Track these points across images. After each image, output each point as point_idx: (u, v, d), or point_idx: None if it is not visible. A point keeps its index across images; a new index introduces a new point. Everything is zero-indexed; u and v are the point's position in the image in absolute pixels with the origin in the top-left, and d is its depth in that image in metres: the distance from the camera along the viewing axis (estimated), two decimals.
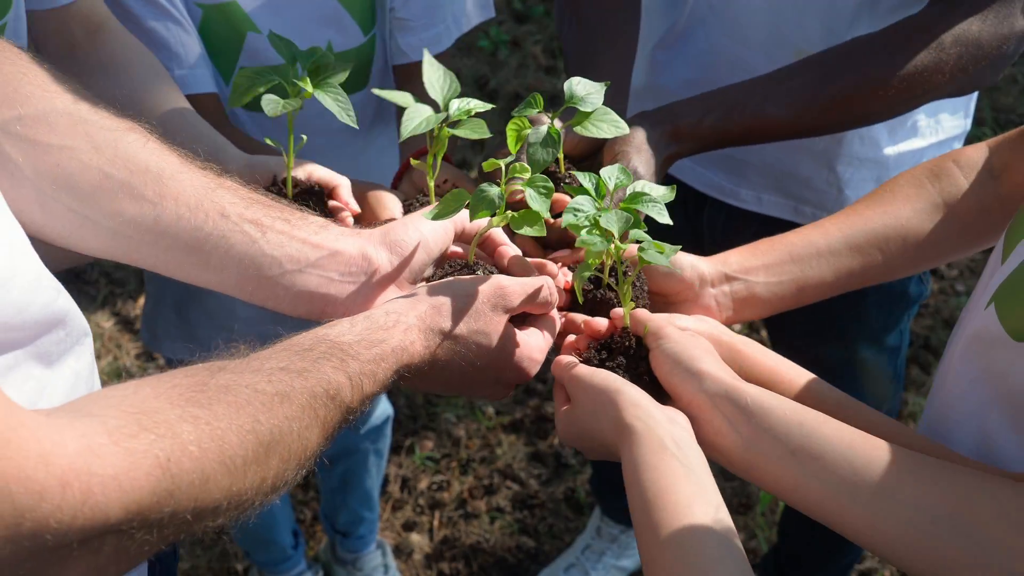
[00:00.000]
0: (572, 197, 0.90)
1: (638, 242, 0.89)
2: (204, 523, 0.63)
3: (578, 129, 0.97)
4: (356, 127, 0.96)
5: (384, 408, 2.04)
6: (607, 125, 0.96)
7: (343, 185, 1.05)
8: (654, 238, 1.02)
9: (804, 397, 0.87)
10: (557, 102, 1.14)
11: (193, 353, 0.74)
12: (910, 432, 0.86)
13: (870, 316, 1.53)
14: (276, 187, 1.02)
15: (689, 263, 1.02)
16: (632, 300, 0.96)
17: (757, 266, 1.03)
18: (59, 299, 0.70)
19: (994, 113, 3.44)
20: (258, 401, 0.67)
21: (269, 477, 0.67)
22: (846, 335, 1.56)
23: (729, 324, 1.00)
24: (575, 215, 0.88)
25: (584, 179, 0.92)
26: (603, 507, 2.21)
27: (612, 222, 0.86)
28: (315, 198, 1.04)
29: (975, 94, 1.49)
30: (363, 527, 2.16)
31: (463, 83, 3.46)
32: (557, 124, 0.99)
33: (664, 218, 0.92)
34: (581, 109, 0.96)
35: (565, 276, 1.01)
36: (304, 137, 1.02)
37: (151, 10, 1.26)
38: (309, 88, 0.94)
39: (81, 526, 0.53)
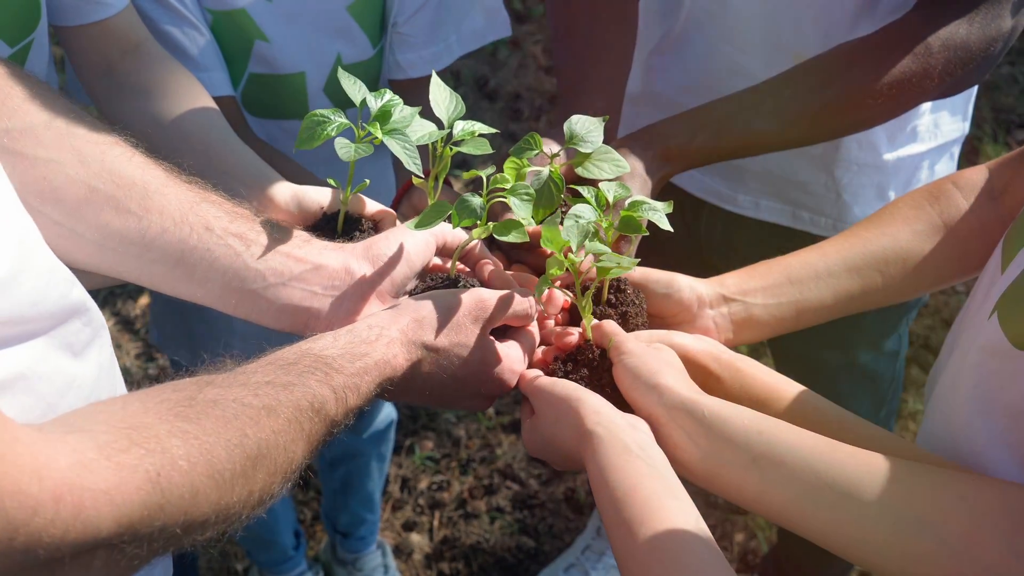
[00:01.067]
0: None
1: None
2: (193, 536, 0.64)
3: (579, 171, 0.97)
4: (421, 175, 0.95)
5: (388, 412, 2.04)
6: (608, 165, 0.97)
7: (388, 217, 1.05)
8: (652, 247, 1.03)
9: (804, 414, 0.88)
10: (557, 101, 1.14)
11: (195, 357, 0.75)
12: (910, 445, 0.86)
13: (869, 321, 1.53)
14: (324, 220, 1.01)
15: (687, 284, 1.02)
16: (631, 320, 0.97)
17: (755, 288, 1.03)
18: (74, 291, 0.71)
19: (994, 114, 3.43)
20: (245, 415, 0.68)
21: (256, 490, 0.68)
22: (845, 340, 1.56)
23: (730, 346, 1.00)
24: (576, 221, 0.89)
25: (584, 191, 0.93)
26: None
27: (572, 234, 0.87)
28: (360, 229, 1.03)
29: (973, 96, 1.49)
30: (364, 528, 2.17)
31: (463, 83, 3.46)
32: (559, 161, 0.99)
33: (664, 224, 0.93)
34: (580, 150, 0.96)
35: (564, 295, 1.01)
36: (367, 180, 1.02)
37: (166, 14, 1.26)
38: (379, 135, 0.92)
39: (73, 540, 0.54)
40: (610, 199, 0.93)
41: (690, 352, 0.93)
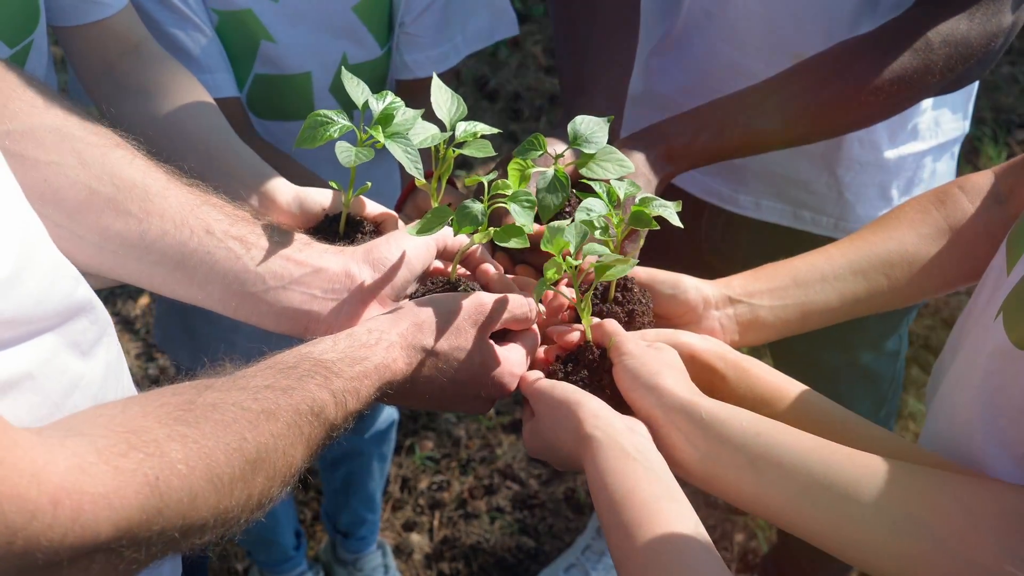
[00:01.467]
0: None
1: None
2: (191, 540, 0.64)
3: (584, 171, 0.97)
4: (423, 179, 0.94)
5: (389, 412, 2.04)
6: (612, 165, 0.97)
7: (390, 219, 1.05)
8: (653, 249, 1.03)
9: (807, 414, 0.88)
10: (557, 101, 1.14)
11: (197, 359, 0.75)
12: (911, 446, 0.86)
13: (869, 321, 1.52)
14: (326, 221, 1.01)
15: (693, 285, 1.02)
16: (637, 319, 0.97)
17: (761, 290, 1.03)
18: (79, 288, 0.71)
19: (994, 113, 3.43)
20: (244, 419, 0.68)
21: (255, 494, 0.68)
22: (845, 340, 1.56)
23: (735, 348, 1.00)
24: (587, 214, 0.90)
25: (596, 186, 0.93)
26: None
27: (572, 235, 0.88)
28: (362, 231, 1.03)
29: (973, 95, 1.49)
30: (364, 528, 2.17)
31: (463, 83, 3.46)
32: (563, 161, 0.99)
33: (675, 220, 0.94)
34: (585, 151, 0.96)
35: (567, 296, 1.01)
36: (369, 183, 1.01)
37: (171, 16, 1.26)
38: (381, 138, 0.92)
39: (71, 544, 0.54)
40: (621, 196, 0.94)
41: (696, 351, 0.93)
